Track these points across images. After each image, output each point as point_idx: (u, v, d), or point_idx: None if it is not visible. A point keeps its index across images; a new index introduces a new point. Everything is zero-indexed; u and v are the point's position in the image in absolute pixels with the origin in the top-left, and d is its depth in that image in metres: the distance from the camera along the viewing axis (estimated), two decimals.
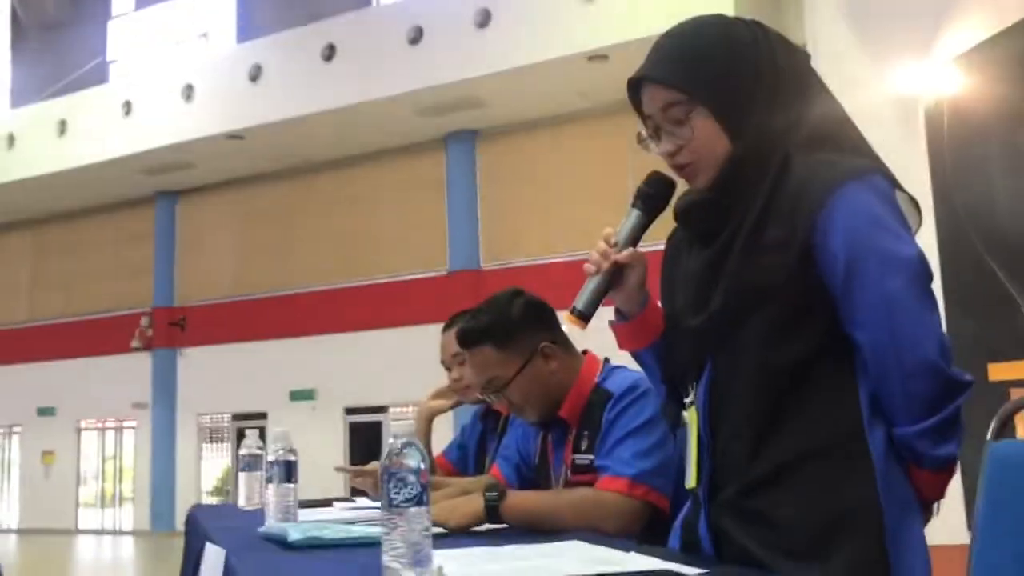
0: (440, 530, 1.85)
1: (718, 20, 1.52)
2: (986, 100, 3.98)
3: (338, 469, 2.61)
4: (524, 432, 2.42)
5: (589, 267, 1.57)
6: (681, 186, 1.58)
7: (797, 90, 1.49)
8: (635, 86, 1.53)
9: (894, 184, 1.45)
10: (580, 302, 1.56)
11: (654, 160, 1.58)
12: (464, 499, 1.99)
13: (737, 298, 1.43)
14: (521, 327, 2.16)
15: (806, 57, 1.56)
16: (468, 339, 2.21)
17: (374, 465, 2.61)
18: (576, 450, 2.13)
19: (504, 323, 2.16)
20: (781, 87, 1.47)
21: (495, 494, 1.93)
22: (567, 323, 1.58)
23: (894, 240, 1.38)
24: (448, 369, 2.86)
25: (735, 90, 1.46)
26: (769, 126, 1.45)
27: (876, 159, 1.48)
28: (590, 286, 1.57)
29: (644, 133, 1.54)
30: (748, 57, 1.47)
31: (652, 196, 1.58)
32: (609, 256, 1.56)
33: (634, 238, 1.58)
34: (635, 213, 1.59)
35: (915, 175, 4.10)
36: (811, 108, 1.48)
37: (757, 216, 1.43)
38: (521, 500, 1.96)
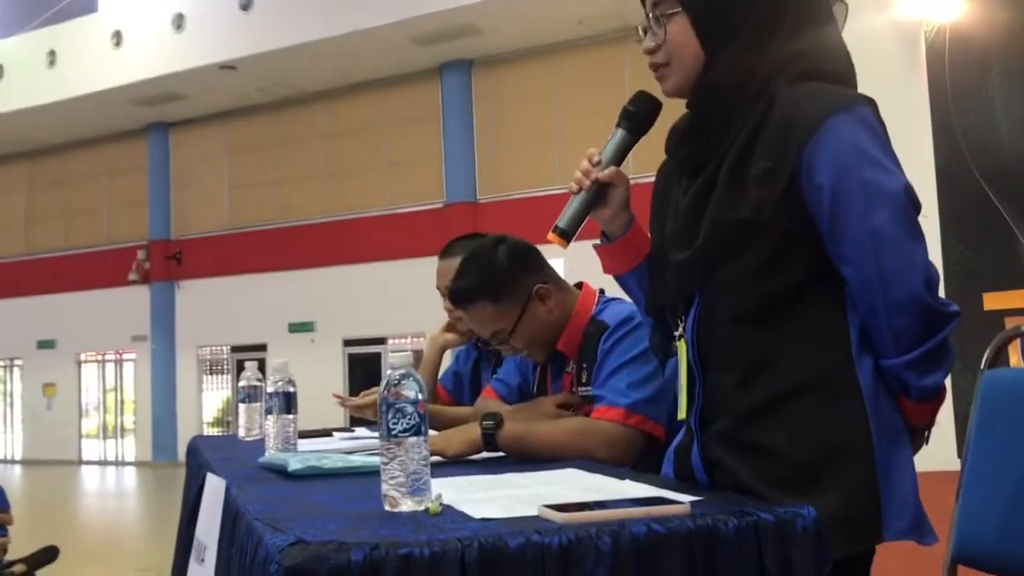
0: (438, 459, 1.88)
1: None
2: (989, 26, 3.93)
3: (341, 404, 2.62)
4: (523, 360, 2.43)
5: (572, 186, 1.57)
6: (668, 107, 1.57)
7: (800, 23, 1.46)
8: None
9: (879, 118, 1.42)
10: (562, 220, 1.55)
11: (651, 85, 1.57)
12: (461, 428, 2.01)
13: (722, 233, 1.43)
14: (511, 276, 2.14)
15: None
16: (462, 299, 2.18)
17: (374, 394, 2.62)
18: (577, 382, 2.14)
19: (494, 276, 2.14)
20: (787, 19, 1.45)
21: (492, 423, 1.95)
22: (550, 242, 1.58)
23: (880, 173, 1.37)
24: (444, 296, 2.85)
25: (722, 6, 1.45)
26: (757, 53, 1.44)
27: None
28: (573, 204, 1.56)
29: (640, 28, 1.54)
30: None
31: (637, 115, 1.57)
32: (591, 174, 1.56)
33: (618, 157, 1.57)
34: (619, 132, 1.58)
35: (915, 102, 4.06)
36: (811, 43, 1.45)
37: (742, 148, 1.42)
38: (518, 428, 1.97)
